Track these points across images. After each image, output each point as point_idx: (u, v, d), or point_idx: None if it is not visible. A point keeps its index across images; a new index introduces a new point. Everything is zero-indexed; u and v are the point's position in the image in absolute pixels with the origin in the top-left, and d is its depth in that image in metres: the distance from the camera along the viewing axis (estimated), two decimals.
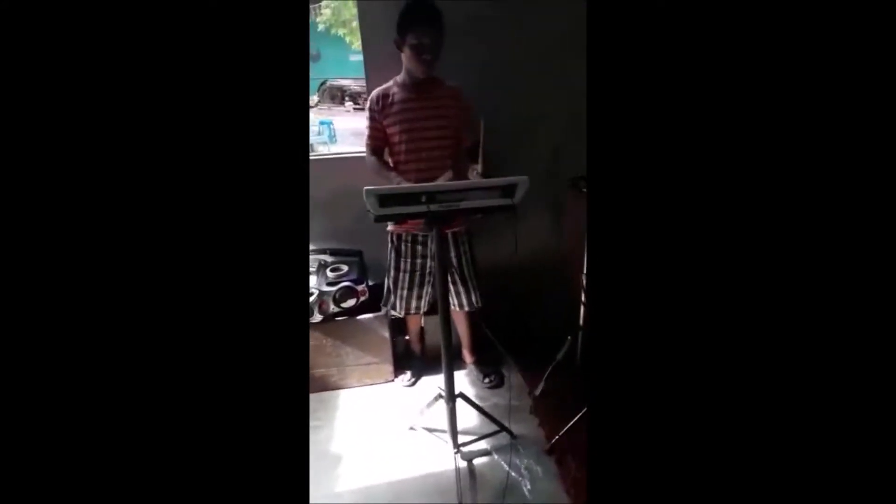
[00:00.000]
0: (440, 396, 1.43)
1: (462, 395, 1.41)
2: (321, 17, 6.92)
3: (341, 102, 8.40)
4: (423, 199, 1.02)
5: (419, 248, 1.59)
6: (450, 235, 1.57)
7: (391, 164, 1.54)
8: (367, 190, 1.02)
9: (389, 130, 1.50)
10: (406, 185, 1.30)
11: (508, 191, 1.09)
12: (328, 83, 7.84)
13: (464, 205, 1.08)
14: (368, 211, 1.09)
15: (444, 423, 1.42)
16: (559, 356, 1.69)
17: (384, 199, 1.02)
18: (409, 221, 1.49)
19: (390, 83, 1.50)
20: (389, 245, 1.63)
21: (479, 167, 1.27)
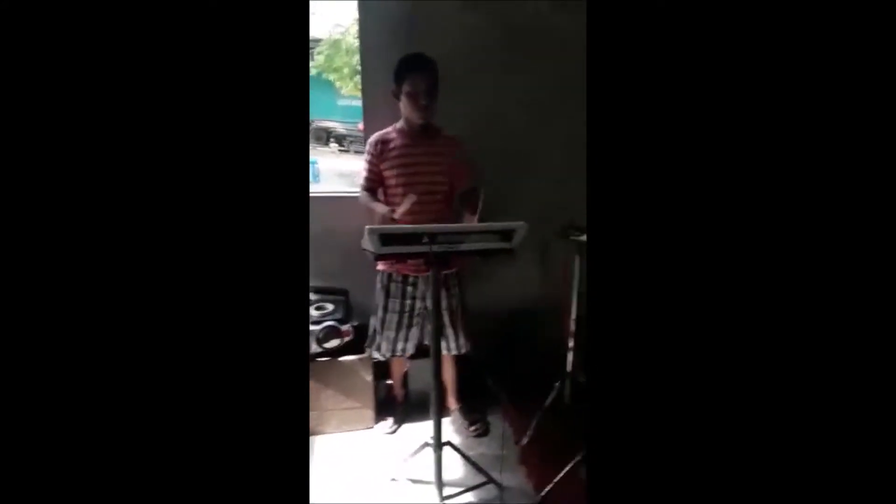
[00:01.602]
0: (426, 445, 1.37)
1: (450, 444, 1.36)
2: (313, 63, 7.20)
3: (326, 143, 8.57)
4: (425, 239, 1.04)
5: (409, 288, 1.58)
6: (441, 276, 1.57)
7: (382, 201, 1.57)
8: (369, 228, 1.02)
9: (386, 174, 1.53)
10: (407, 226, 1.32)
11: (506, 235, 1.12)
12: (315, 124, 8.03)
13: (464, 247, 1.09)
14: (365, 250, 1.09)
15: (428, 474, 1.35)
16: (547, 402, 1.66)
17: (386, 238, 1.02)
18: (404, 262, 1.50)
19: (390, 129, 1.55)
20: (378, 285, 1.61)
21: (475, 217, 1.30)
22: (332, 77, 7.34)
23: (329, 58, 7.14)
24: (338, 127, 8.54)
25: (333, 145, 8.59)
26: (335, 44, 6.95)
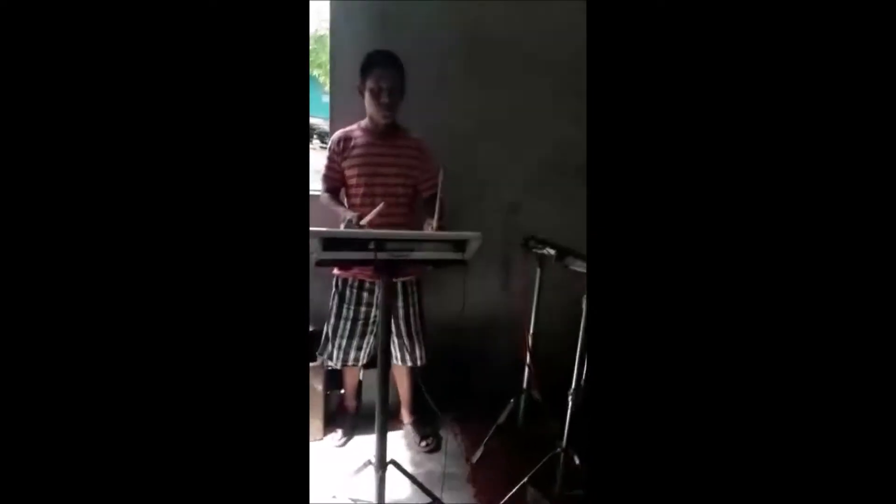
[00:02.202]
0: (369, 463, 1.29)
1: (394, 463, 1.29)
2: None
3: (309, 140, 8.39)
4: (371, 245, 0.97)
5: (365, 294, 1.51)
6: (399, 284, 1.51)
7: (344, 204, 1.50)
8: (310, 231, 0.95)
9: (348, 173, 1.46)
10: (351, 230, 1.25)
11: (460, 245, 1.06)
12: None
13: (413, 255, 1.03)
14: (311, 253, 1.02)
15: (371, 493, 1.28)
16: (501, 419, 1.61)
17: (328, 243, 0.95)
18: (358, 267, 1.43)
19: (354, 126, 1.49)
20: (333, 289, 1.54)
21: (434, 222, 1.25)
22: (316, 73, 7.22)
23: (314, 53, 7.03)
24: (322, 124, 8.38)
25: (316, 142, 8.43)
26: (320, 39, 6.84)
